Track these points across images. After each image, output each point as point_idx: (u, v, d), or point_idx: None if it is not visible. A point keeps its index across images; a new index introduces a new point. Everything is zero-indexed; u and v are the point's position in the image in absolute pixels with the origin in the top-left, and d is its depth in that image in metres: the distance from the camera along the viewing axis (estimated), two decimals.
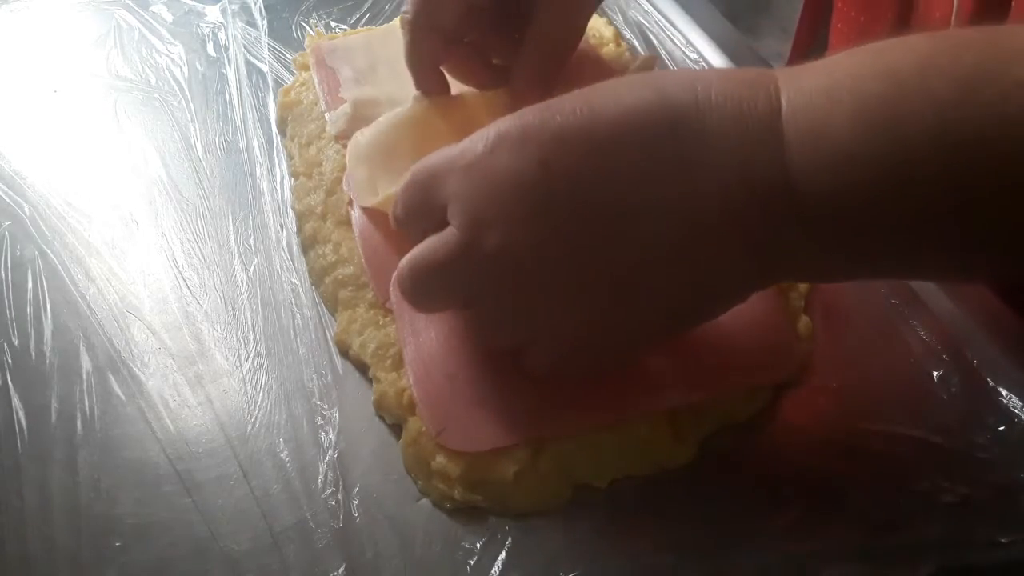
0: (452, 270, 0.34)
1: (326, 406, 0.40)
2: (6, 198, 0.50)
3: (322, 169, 0.49)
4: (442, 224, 0.34)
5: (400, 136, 0.47)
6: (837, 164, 0.28)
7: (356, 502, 0.37)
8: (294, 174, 0.50)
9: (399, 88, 0.51)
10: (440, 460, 0.36)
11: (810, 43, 0.65)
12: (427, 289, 0.35)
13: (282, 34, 0.60)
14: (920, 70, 0.28)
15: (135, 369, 0.42)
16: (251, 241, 0.47)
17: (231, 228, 0.48)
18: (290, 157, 0.51)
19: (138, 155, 0.52)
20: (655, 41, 0.57)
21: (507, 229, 0.31)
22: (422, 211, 0.35)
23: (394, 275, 0.37)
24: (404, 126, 0.47)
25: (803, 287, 0.42)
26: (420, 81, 0.46)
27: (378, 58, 0.54)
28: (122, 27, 0.61)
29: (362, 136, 0.47)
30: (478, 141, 0.33)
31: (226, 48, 0.59)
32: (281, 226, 0.48)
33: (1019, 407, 0.37)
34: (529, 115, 0.32)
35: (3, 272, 0.46)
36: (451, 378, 0.38)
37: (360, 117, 0.49)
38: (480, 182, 0.32)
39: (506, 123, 0.33)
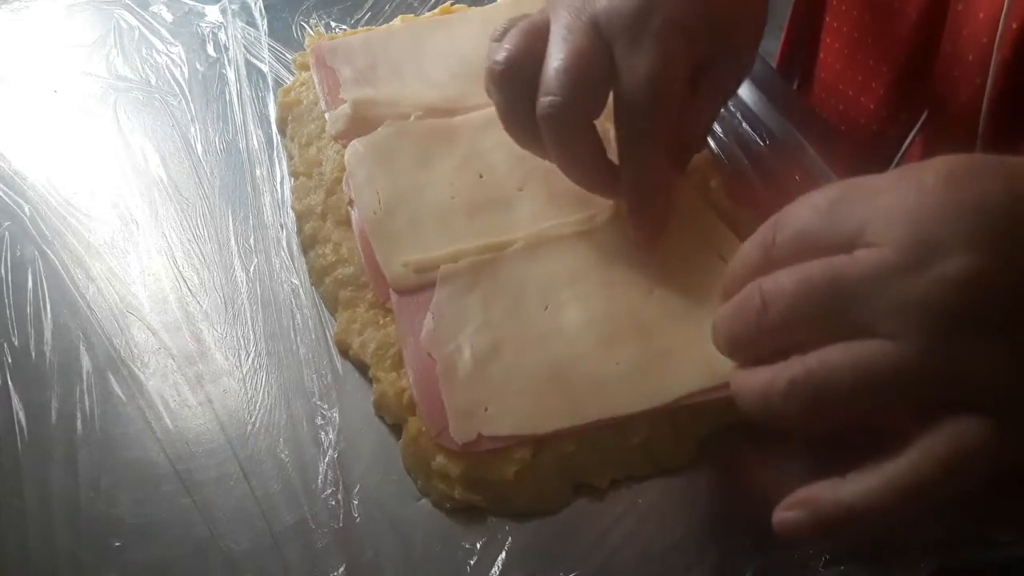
0: (886, 290, 0.27)
1: (326, 406, 0.40)
2: (6, 198, 0.50)
3: (322, 169, 0.49)
4: (839, 250, 0.28)
5: (402, 142, 0.47)
6: None
7: (356, 502, 0.37)
8: (294, 174, 0.50)
9: (399, 88, 0.51)
10: (440, 460, 0.36)
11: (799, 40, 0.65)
12: (840, 312, 0.28)
13: (282, 34, 0.60)
14: None
15: (135, 369, 0.42)
16: (251, 241, 0.47)
17: (231, 228, 0.48)
18: (290, 157, 0.51)
19: (138, 155, 0.52)
20: None
21: (970, 252, 0.26)
22: (821, 232, 0.29)
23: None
24: (406, 134, 0.48)
25: None
26: (600, 181, 0.41)
27: (378, 58, 0.54)
28: (122, 27, 0.61)
29: (361, 143, 0.47)
30: (918, 173, 0.28)
31: (226, 48, 0.59)
32: (281, 226, 0.48)
33: None
34: (975, 158, 0.28)
35: (3, 272, 0.46)
36: None
37: (360, 117, 0.49)
38: (928, 201, 0.27)
39: (949, 160, 0.28)
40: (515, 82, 0.40)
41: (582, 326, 0.39)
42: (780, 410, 0.29)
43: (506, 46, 0.40)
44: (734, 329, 0.31)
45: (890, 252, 0.27)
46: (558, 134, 0.39)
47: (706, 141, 0.47)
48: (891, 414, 0.28)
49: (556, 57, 0.38)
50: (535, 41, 0.39)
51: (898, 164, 0.56)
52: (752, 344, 0.31)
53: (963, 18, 0.46)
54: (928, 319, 0.26)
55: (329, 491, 0.37)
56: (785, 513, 0.29)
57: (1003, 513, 0.31)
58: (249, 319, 0.44)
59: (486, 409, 0.37)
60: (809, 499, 0.28)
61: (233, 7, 0.61)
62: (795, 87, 0.66)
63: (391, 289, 0.42)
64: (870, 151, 0.57)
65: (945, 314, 0.26)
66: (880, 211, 0.28)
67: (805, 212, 0.30)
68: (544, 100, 0.38)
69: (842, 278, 0.28)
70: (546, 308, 0.40)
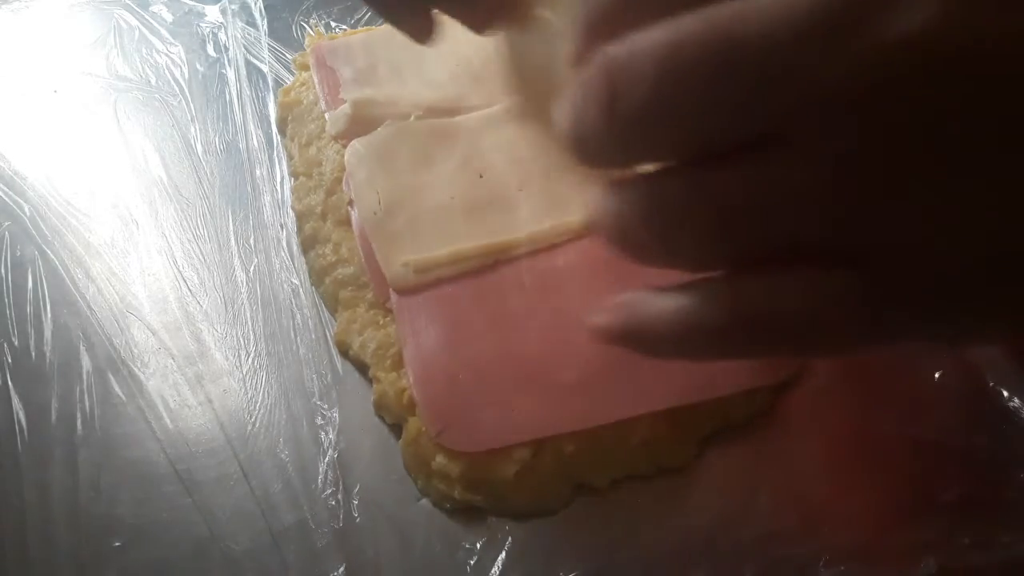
0: (803, 64, 0.17)
1: (326, 406, 0.40)
2: (6, 198, 0.50)
3: (322, 169, 0.49)
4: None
5: (402, 142, 0.47)
6: None
7: (356, 502, 0.37)
8: (294, 174, 0.50)
9: (399, 88, 0.51)
10: (440, 460, 0.36)
11: None
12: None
13: (282, 34, 0.60)
14: None
15: (135, 369, 0.42)
16: (251, 241, 0.47)
17: (231, 228, 0.48)
18: (290, 157, 0.51)
19: (138, 155, 0.52)
20: None
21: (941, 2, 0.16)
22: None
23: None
24: (406, 134, 0.48)
25: None
26: (404, 18, 0.36)
27: (378, 58, 0.54)
28: (122, 27, 0.61)
29: (361, 143, 0.47)
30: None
31: (226, 48, 0.59)
32: (281, 226, 0.48)
33: (1019, 407, 0.37)
34: None
35: (3, 272, 0.46)
36: (451, 378, 0.38)
37: (360, 117, 0.49)
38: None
39: None
40: None
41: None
42: (638, 245, 0.22)
43: None
44: (577, 129, 0.21)
45: None
46: None
47: None
48: (764, 251, 0.20)
49: None
50: None
51: None
52: (605, 151, 0.21)
53: None
54: (859, 116, 0.17)
55: (329, 491, 0.37)
56: (595, 318, 0.25)
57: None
58: (249, 319, 0.44)
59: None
60: (622, 305, 0.24)
61: (233, 7, 0.61)
62: None
63: (391, 289, 0.42)
64: None
65: (890, 110, 0.17)
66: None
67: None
68: None
69: (731, 41, 0.17)
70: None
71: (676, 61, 0.18)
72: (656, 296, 0.23)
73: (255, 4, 0.61)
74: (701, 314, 0.21)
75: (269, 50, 0.58)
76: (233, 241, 0.47)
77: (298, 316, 0.44)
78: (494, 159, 0.47)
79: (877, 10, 0.16)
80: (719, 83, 0.18)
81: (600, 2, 0.21)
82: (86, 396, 0.41)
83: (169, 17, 0.62)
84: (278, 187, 0.50)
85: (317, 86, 0.53)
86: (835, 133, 0.17)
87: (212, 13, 0.61)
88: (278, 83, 0.56)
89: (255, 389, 0.41)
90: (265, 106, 0.55)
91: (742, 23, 0.17)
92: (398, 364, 0.40)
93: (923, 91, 0.16)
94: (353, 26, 0.60)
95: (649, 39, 0.18)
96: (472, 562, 0.35)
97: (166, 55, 0.59)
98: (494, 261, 0.42)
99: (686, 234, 0.20)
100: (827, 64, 0.17)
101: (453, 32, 0.55)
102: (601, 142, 0.21)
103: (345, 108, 0.50)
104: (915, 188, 0.17)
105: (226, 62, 0.58)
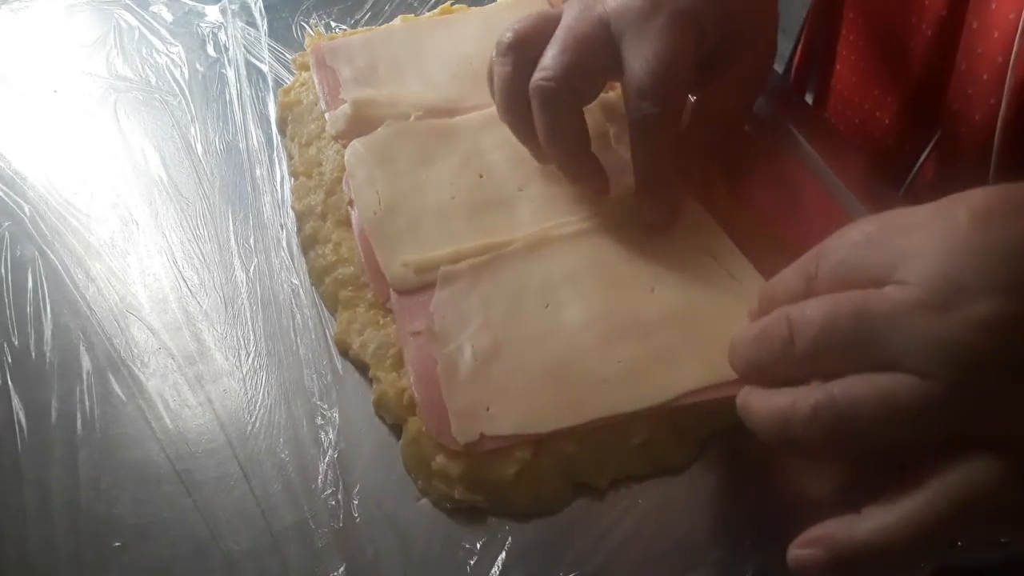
0: (913, 328, 0.27)
1: (326, 406, 0.40)
2: (6, 198, 0.50)
3: (322, 169, 0.49)
4: (873, 285, 0.29)
5: (402, 142, 0.47)
6: None
7: (356, 502, 0.37)
8: (294, 174, 0.50)
9: (399, 88, 0.52)
10: (440, 460, 0.36)
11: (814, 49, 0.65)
12: (872, 344, 0.28)
13: (282, 34, 0.60)
14: None
15: (135, 369, 0.42)
16: (251, 241, 0.47)
17: (231, 228, 0.48)
18: (290, 157, 0.51)
19: (138, 155, 0.52)
20: None
21: (998, 296, 0.26)
22: (857, 266, 0.30)
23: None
24: (406, 134, 0.48)
25: None
26: (579, 167, 0.43)
27: (378, 58, 0.54)
28: (122, 27, 0.61)
29: (361, 143, 0.47)
30: (952, 210, 0.28)
31: (226, 48, 0.59)
32: (281, 226, 0.48)
33: None
34: (1012, 193, 0.28)
35: (3, 272, 0.46)
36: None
37: (360, 117, 0.49)
38: (960, 241, 0.27)
39: (985, 195, 0.28)
40: (519, 54, 0.42)
41: (582, 325, 0.40)
42: (799, 435, 0.29)
43: (518, 24, 0.43)
44: (756, 355, 0.31)
45: (919, 291, 0.27)
46: (547, 111, 0.41)
47: (739, 126, 0.48)
48: (910, 448, 0.28)
49: (558, 40, 0.41)
50: (546, 25, 0.42)
51: (912, 182, 0.55)
52: (773, 370, 0.31)
53: (978, 36, 0.46)
54: (955, 358, 0.26)
55: (329, 491, 0.37)
56: (800, 551, 0.29)
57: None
58: (249, 319, 0.44)
59: (488, 409, 0.37)
60: (825, 537, 0.28)
61: (233, 7, 0.61)
62: (812, 98, 0.66)
63: (391, 289, 0.42)
64: (884, 167, 0.56)
65: (972, 354, 0.26)
66: (912, 249, 0.28)
67: (844, 245, 0.30)
68: (538, 75, 0.41)
69: (869, 313, 0.28)
70: (546, 307, 0.40)
71: (832, 318, 0.28)
72: (853, 523, 0.28)
73: (255, 4, 0.61)
74: (910, 529, 0.27)
75: (269, 50, 0.58)
76: (233, 241, 0.47)
77: (298, 316, 0.44)
78: (494, 159, 0.47)
79: (963, 300, 0.26)
80: (859, 331, 0.28)
81: (780, 285, 0.32)
82: (86, 396, 0.41)
83: (169, 17, 0.62)
84: (278, 187, 0.50)
85: (317, 86, 0.53)
86: (937, 367, 0.26)
87: (212, 13, 0.61)
88: (278, 83, 0.56)
89: (255, 389, 0.41)
90: (265, 106, 0.55)
91: (878, 300, 0.28)
92: (398, 364, 0.40)
93: (992, 344, 0.26)
94: (353, 26, 0.60)
95: (815, 305, 0.29)
96: (472, 562, 0.35)
97: (166, 55, 0.59)
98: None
99: (845, 431, 0.28)
100: (929, 329, 0.26)
101: (453, 32, 0.55)
102: (775, 365, 0.30)
103: (345, 108, 0.50)
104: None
105: (226, 62, 0.58)
